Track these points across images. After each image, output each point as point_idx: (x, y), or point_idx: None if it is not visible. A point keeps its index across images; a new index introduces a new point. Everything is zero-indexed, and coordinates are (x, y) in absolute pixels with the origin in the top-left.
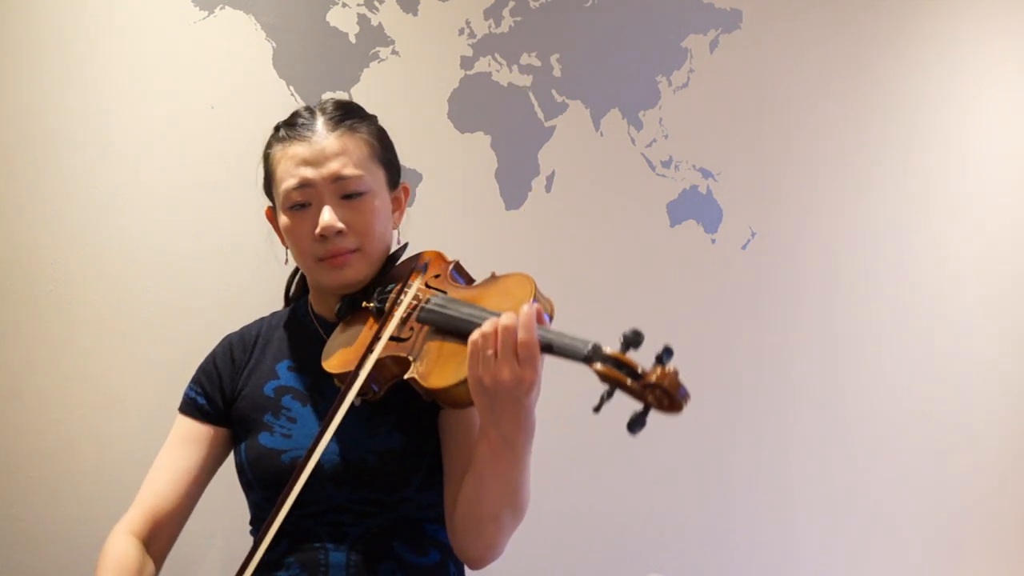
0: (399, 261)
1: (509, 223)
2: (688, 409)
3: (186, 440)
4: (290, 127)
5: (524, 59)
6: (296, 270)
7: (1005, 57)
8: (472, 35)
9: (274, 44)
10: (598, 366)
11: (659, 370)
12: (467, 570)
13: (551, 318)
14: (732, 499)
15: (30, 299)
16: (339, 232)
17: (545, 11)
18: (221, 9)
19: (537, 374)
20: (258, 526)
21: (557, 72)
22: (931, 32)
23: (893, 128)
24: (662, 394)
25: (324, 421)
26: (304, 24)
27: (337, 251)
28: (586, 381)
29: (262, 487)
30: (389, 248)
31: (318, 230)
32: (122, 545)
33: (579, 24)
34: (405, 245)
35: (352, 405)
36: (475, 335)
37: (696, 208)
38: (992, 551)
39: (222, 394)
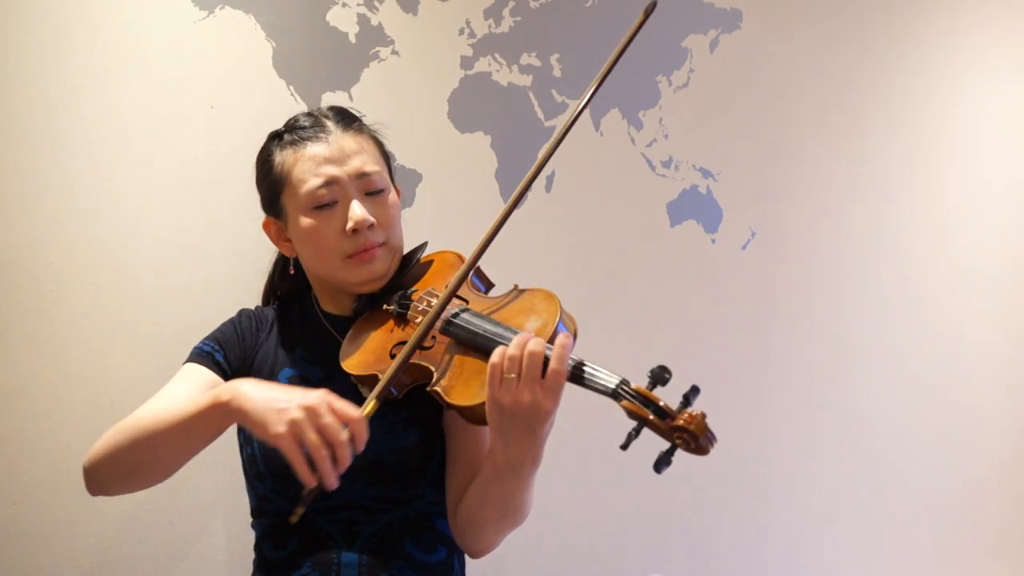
0: (419, 258)
1: (509, 223)
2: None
3: (196, 383)
4: (298, 130)
5: (524, 59)
6: (274, 272)
7: (1011, 53)
8: (472, 35)
9: (274, 44)
10: (625, 402)
11: (687, 414)
12: (467, 563)
13: (575, 337)
14: (733, 499)
15: (29, 299)
16: (370, 226)
17: (545, 11)
18: (221, 9)
19: (556, 404)
20: (260, 519)
21: (557, 72)
22: (934, 31)
23: (894, 127)
24: (689, 437)
25: None
26: (304, 24)
27: (369, 244)
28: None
29: (274, 479)
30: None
31: (351, 225)
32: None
33: (579, 24)
34: (424, 244)
35: None
36: (497, 356)
37: (696, 208)
38: (995, 551)
39: (240, 359)
